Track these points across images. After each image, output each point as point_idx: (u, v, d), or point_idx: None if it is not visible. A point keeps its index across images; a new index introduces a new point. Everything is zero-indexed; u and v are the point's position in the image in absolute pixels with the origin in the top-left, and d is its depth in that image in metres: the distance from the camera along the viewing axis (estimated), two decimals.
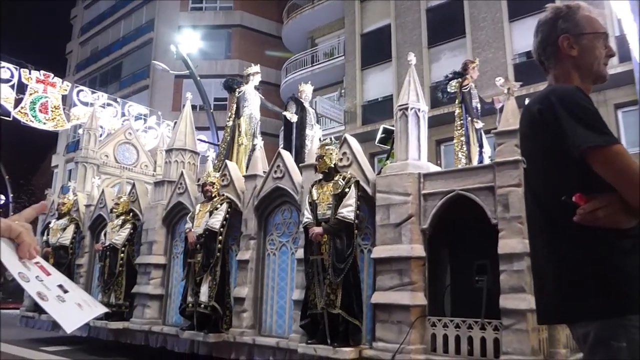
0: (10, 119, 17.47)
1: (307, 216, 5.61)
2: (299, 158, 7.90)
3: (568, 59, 1.80)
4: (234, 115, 8.46)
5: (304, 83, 9.22)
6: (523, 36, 15.42)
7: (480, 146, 7.47)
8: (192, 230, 6.83)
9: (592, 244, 1.54)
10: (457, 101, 7.66)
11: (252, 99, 8.51)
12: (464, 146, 7.28)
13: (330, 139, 6.60)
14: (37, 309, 9.50)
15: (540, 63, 1.90)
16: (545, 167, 1.69)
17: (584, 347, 1.60)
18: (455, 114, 7.64)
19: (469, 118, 7.42)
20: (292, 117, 8.63)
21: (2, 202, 34.34)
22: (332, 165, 5.76)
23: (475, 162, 7.15)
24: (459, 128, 7.44)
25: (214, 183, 7.06)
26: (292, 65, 23.27)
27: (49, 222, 10.10)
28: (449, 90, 7.82)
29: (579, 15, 1.80)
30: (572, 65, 1.80)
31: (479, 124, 7.40)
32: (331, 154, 5.79)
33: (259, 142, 7.53)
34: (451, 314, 5.25)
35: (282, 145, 8.79)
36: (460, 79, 7.65)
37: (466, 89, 7.57)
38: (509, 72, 14.93)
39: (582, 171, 1.55)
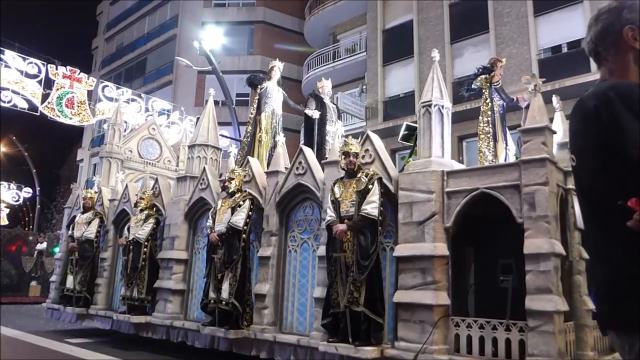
0: (38, 113, 17.81)
1: (330, 214, 5.58)
2: (319, 154, 7.86)
3: (629, 52, 1.72)
4: (255, 112, 8.46)
5: (324, 79, 9.16)
6: (548, 31, 15.15)
7: (506, 143, 7.36)
8: (214, 228, 6.83)
9: None
10: (483, 97, 7.55)
11: (275, 95, 8.49)
12: (490, 142, 7.17)
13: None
14: (62, 301, 9.65)
15: (595, 54, 1.81)
16: (596, 166, 1.60)
17: (627, 358, 1.52)
18: (481, 110, 7.53)
19: (498, 114, 7.33)
20: (314, 114, 8.55)
21: (29, 195, 35.03)
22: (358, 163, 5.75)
23: (501, 159, 7.04)
24: (486, 125, 7.32)
25: (233, 179, 7.05)
26: (314, 61, 23.24)
27: (75, 216, 10.21)
28: (473, 86, 7.72)
29: None
30: (633, 59, 1.72)
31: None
32: (361, 151, 5.81)
33: (281, 138, 7.50)
34: (475, 313, 5.17)
35: (302, 142, 8.75)
36: (487, 75, 7.54)
37: (497, 84, 7.50)
38: (533, 68, 14.66)
39: (638, 173, 1.45)
